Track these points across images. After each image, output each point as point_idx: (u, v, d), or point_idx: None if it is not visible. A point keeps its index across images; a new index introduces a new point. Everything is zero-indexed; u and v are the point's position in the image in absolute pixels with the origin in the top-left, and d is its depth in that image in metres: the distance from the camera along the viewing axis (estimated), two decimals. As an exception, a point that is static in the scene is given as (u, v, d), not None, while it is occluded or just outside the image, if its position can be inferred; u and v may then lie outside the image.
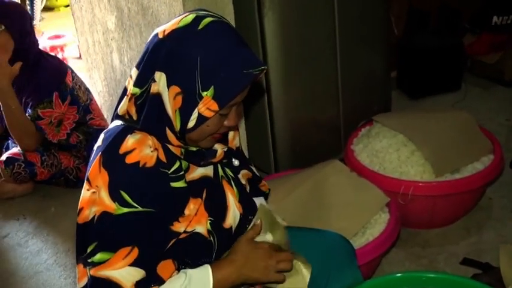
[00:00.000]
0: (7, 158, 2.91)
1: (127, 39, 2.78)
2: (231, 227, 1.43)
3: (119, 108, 1.37)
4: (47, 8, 6.77)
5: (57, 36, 5.28)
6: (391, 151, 2.53)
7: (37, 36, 3.06)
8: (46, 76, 2.88)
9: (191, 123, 1.26)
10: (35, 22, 5.37)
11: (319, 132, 2.88)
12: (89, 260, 1.25)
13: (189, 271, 1.31)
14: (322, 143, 2.89)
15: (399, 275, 1.79)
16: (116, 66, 3.05)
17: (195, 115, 1.25)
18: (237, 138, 1.58)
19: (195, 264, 1.34)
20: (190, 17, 1.27)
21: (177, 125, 1.28)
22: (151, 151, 1.28)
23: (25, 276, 2.55)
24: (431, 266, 2.35)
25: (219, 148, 1.42)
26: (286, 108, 2.73)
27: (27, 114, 2.84)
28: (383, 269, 2.32)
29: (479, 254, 2.36)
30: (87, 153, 3.06)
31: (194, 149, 1.37)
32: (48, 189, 3.14)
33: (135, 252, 1.24)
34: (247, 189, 1.57)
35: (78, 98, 2.98)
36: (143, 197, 1.25)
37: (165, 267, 1.29)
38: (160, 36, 1.28)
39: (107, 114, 3.30)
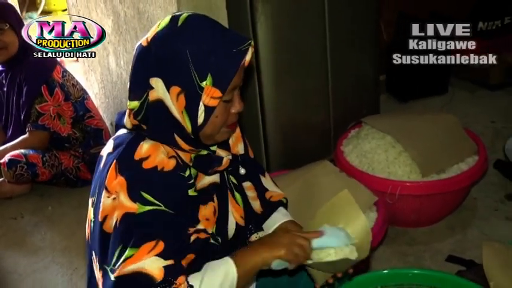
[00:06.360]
0: (9, 160, 2.89)
1: (123, 43, 2.79)
2: (228, 234, 1.44)
3: (125, 123, 1.35)
4: (44, 12, 6.74)
5: (55, 40, 5.26)
6: (379, 152, 2.55)
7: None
8: (32, 74, 2.94)
9: (200, 119, 1.25)
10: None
11: (310, 134, 2.89)
12: (115, 267, 1.21)
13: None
14: (312, 145, 2.89)
15: (386, 271, 1.81)
16: (112, 69, 3.05)
17: (201, 109, 1.24)
18: (240, 146, 1.56)
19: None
20: (167, 18, 1.28)
21: (188, 125, 1.26)
22: (168, 157, 1.27)
23: (23, 274, 2.54)
24: (418, 263, 2.37)
25: (225, 156, 1.40)
26: (277, 110, 2.74)
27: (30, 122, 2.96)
28: (371, 265, 2.32)
29: (464, 251, 2.38)
30: (83, 151, 3.09)
31: (205, 152, 1.35)
32: (45, 188, 3.13)
33: (161, 245, 1.20)
34: (258, 205, 1.57)
35: (69, 94, 3.02)
36: (165, 197, 1.24)
37: (187, 260, 1.25)
38: (144, 44, 1.28)
39: (103, 115, 3.31)
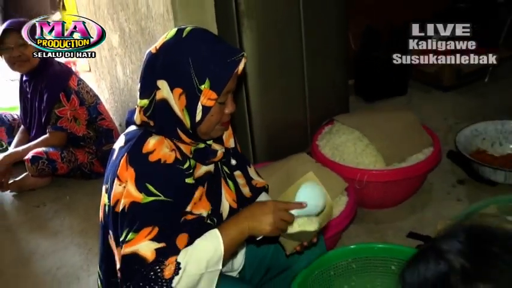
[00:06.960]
0: (32, 156, 2.88)
1: (128, 55, 2.79)
2: (222, 215, 1.45)
3: (135, 119, 1.36)
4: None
5: (69, 53, 5.22)
6: (349, 145, 2.55)
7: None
8: (52, 82, 2.94)
9: (198, 117, 1.27)
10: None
11: (290, 131, 2.89)
12: (123, 246, 1.24)
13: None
14: (292, 140, 2.89)
15: (355, 246, 1.83)
16: (119, 78, 3.05)
17: (199, 108, 1.26)
18: (231, 141, 1.57)
19: None
20: (174, 30, 1.30)
21: (187, 121, 1.28)
22: (170, 150, 1.29)
23: (44, 254, 2.55)
24: (383, 238, 2.37)
25: (219, 149, 1.42)
26: (262, 110, 2.74)
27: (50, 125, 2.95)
28: (343, 241, 2.34)
29: (422, 228, 2.39)
30: (96, 148, 3.08)
31: (202, 145, 1.37)
32: (64, 181, 3.12)
33: (156, 230, 1.22)
34: (247, 190, 1.58)
35: (84, 100, 3.01)
36: (165, 188, 1.26)
37: (181, 239, 1.26)
38: (153, 51, 1.30)
39: (113, 117, 3.30)
